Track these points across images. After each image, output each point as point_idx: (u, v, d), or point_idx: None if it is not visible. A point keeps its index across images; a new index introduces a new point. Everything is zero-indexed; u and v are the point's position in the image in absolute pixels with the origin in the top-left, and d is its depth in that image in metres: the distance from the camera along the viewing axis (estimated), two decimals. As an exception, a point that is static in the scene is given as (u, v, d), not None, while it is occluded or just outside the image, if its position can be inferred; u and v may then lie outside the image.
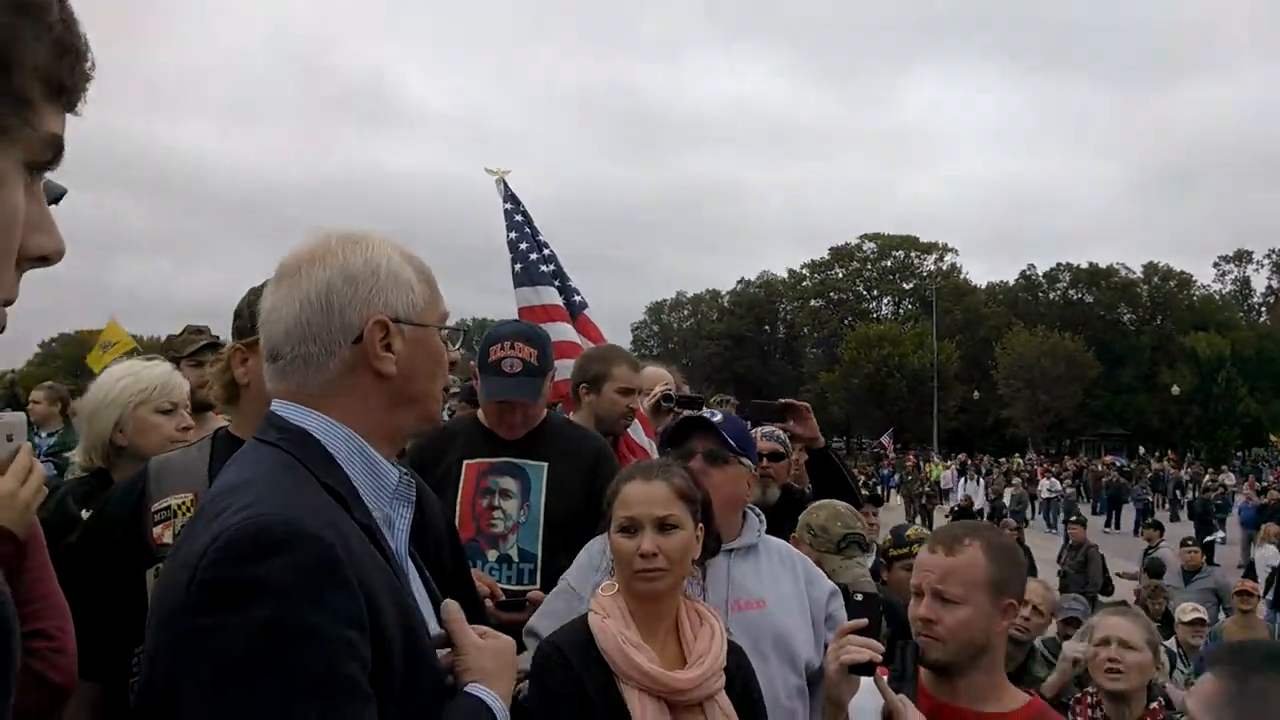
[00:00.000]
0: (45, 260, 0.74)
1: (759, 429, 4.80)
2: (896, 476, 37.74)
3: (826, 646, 2.80)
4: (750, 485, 2.98)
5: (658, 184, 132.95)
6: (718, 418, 2.99)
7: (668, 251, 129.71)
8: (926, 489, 31.89)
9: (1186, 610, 8.07)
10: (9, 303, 0.72)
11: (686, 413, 3.75)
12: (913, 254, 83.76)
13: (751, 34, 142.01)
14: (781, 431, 4.72)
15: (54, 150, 0.71)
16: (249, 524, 1.34)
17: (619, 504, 2.41)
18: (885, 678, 2.38)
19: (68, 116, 0.74)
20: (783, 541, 3.08)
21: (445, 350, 1.68)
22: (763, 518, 2.97)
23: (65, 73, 0.70)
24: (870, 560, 3.70)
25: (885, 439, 42.46)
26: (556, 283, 6.11)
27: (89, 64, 0.71)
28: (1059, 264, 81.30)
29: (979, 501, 29.16)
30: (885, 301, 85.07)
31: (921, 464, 40.54)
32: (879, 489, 29.98)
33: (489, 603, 2.85)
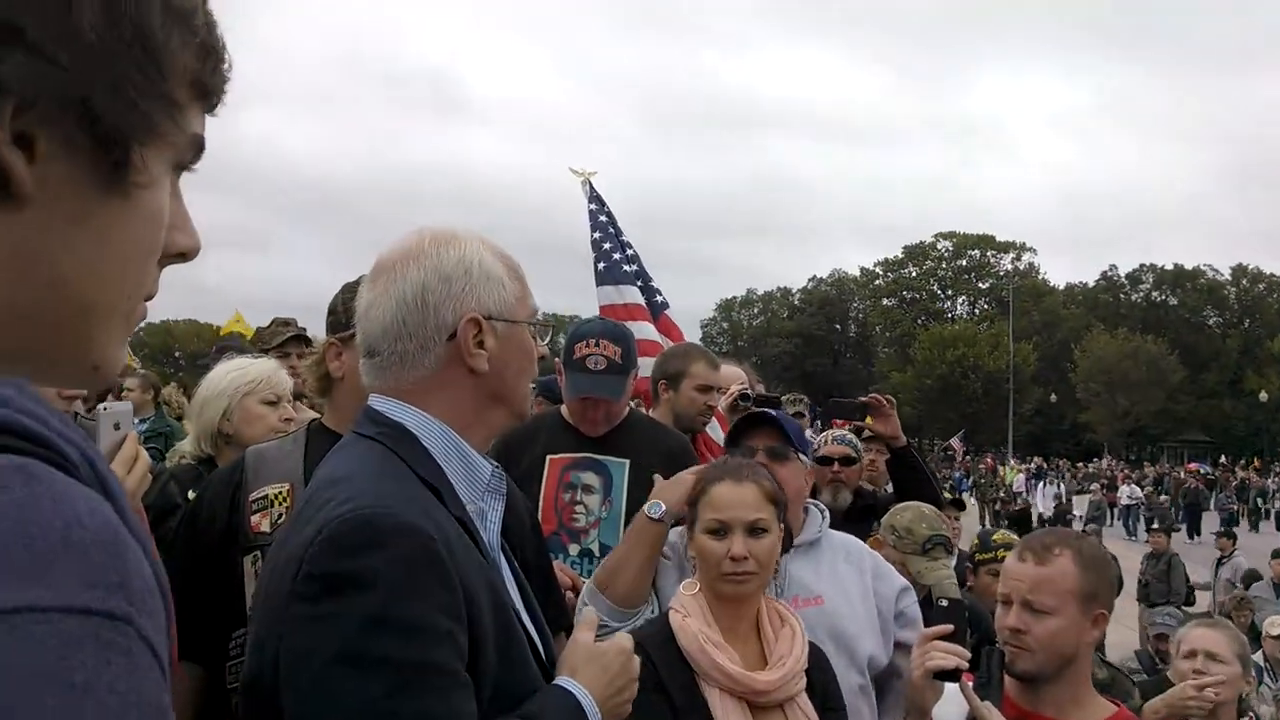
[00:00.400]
0: (183, 257, 0.77)
1: (829, 432, 4.77)
2: (969, 480, 37.00)
3: (897, 644, 2.78)
4: (808, 480, 3.02)
5: (726, 179, 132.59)
6: (778, 415, 3.05)
7: (737, 247, 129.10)
8: (1001, 494, 30.74)
9: (1275, 623, 7.80)
10: (150, 297, 0.75)
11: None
12: (989, 253, 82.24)
13: (820, 26, 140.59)
14: (853, 435, 4.69)
15: (197, 151, 0.74)
16: (353, 517, 1.38)
17: (707, 505, 2.41)
18: (970, 684, 2.35)
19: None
20: (850, 537, 3.07)
21: (535, 346, 1.71)
22: (825, 513, 2.99)
23: (209, 75, 0.72)
24: (953, 562, 3.65)
25: (956, 441, 41.36)
26: (639, 282, 6.14)
27: (227, 66, 0.74)
28: (1142, 265, 79.47)
29: (1042, 507, 27.71)
30: (960, 301, 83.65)
31: (999, 467, 39.54)
32: (954, 492, 29.07)
33: (570, 595, 2.89)
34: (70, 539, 0.51)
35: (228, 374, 3.34)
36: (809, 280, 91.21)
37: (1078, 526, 22.41)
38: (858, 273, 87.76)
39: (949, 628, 2.38)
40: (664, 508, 2.74)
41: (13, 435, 0.54)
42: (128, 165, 0.66)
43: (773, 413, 3.11)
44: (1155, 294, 77.82)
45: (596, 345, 3.32)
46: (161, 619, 0.55)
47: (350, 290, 2.51)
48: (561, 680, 1.59)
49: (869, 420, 4.49)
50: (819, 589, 2.76)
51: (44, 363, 0.68)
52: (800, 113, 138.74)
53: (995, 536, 4.73)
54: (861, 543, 3.06)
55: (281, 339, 4.57)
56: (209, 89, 0.73)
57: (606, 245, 6.13)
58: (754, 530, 2.37)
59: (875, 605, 2.82)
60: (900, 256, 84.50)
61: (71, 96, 0.62)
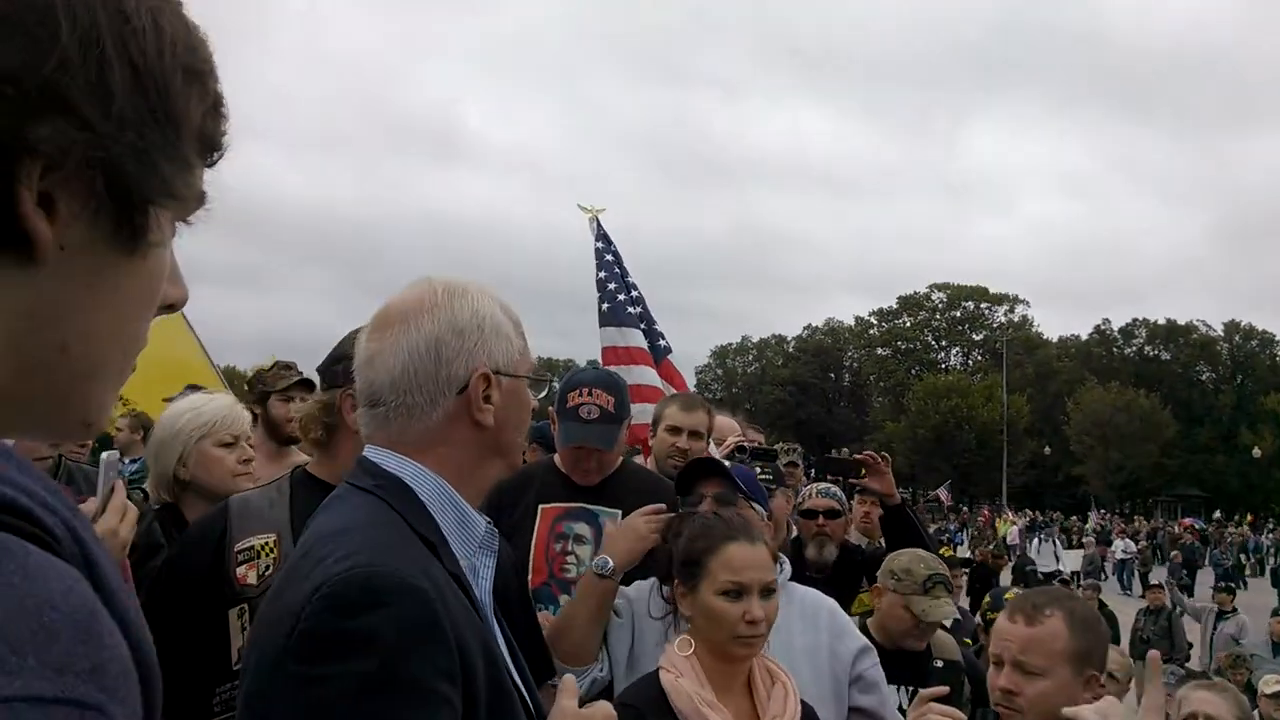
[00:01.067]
0: (171, 308, 0.78)
1: (814, 485, 4.76)
2: (963, 534, 36.52)
3: (853, 710, 2.72)
4: (767, 531, 2.94)
5: (721, 228, 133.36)
6: (727, 463, 3.05)
7: (733, 295, 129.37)
8: (991, 548, 29.01)
9: (1270, 682, 7.72)
10: (140, 350, 0.76)
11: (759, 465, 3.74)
12: (983, 305, 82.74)
13: (814, 79, 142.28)
14: (837, 488, 4.67)
15: (199, 206, 0.74)
16: (352, 575, 1.35)
17: (721, 566, 2.37)
18: None
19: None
20: (812, 591, 3.00)
21: (531, 399, 1.71)
22: (785, 564, 2.90)
23: (215, 132, 0.73)
24: (954, 604, 3.64)
25: (942, 491, 40.19)
26: (643, 325, 6.12)
27: (227, 118, 0.74)
28: (1135, 319, 79.85)
29: (1040, 562, 25.06)
30: (954, 352, 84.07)
31: (995, 520, 38.95)
32: (950, 546, 27.67)
33: None
34: (41, 623, 0.49)
35: (181, 415, 3.18)
36: (804, 329, 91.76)
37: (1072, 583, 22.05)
38: (852, 322, 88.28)
39: (945, 690, 2.36)
40: (611, 564, 2.71)
41: None
42: (146, 227, 0.67)
43: (721, 461, 3.10)
44: (1148, 348, 78.10)
45: (589, 394, 3.31)
46: (137, 703, 0.53)
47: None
48: None
49: (865, 477, 4.47)
50: (769, 649, 2.72)
51: (42, 419, 0.68)
52: (795, 163, 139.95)
53: (1009, 595, 4.69)
54: (824, 598, 2.99)
55: (288, 383, 4.54)
56: (213, 144, 0.73)
57: (611, 285, 6.11)
58: (766, 592, 2.35)
59: (829, 667, 2.75)
60: (895, 307, 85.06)
61: (98, 159, 0.62)
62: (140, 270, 0.69)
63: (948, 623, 3.78)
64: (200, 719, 2.42)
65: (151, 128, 0.65)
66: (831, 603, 2.98)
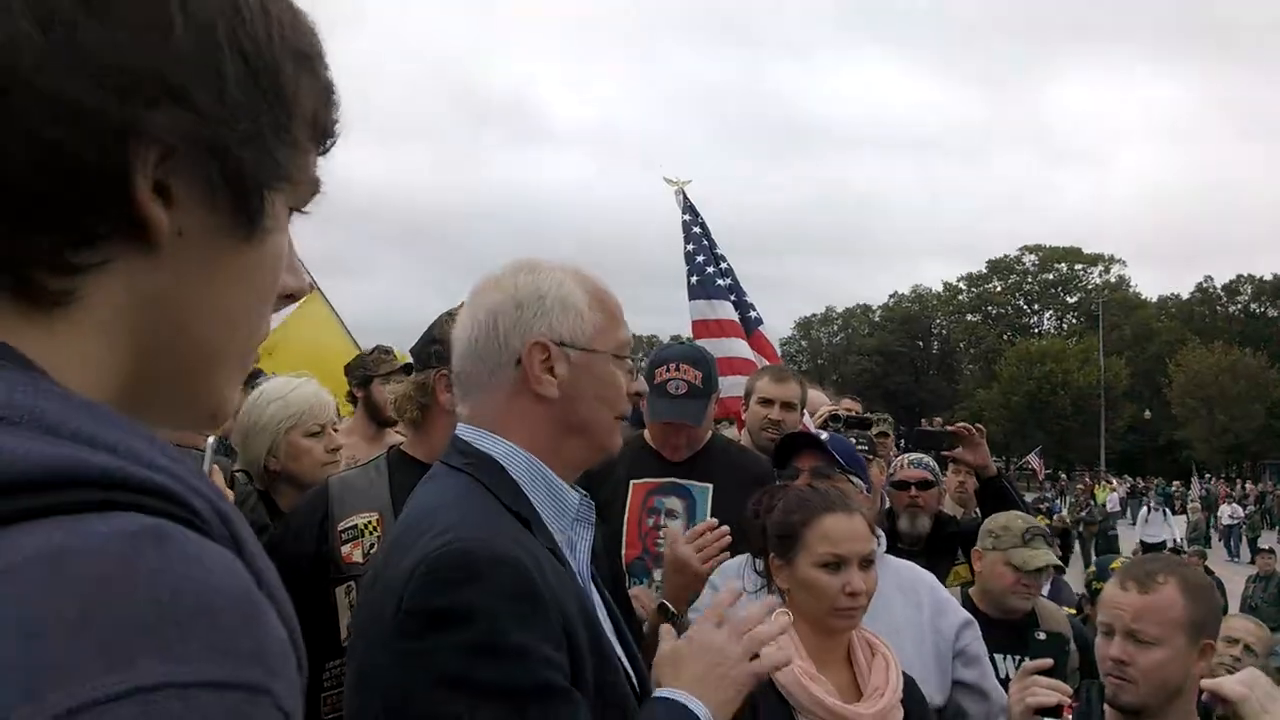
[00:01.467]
0: (290, 299, 0.78)
1: (905, 455, 4.68)
2: (1060, 502, 35.23)
3: (956, 683, 2.67)
4: (866, 505, 2.89)
5: (802, 195, 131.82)
6: (824, 435, 3.01)
7: (815, 265, 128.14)
8: (1085, 515, 26.59)
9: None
10: (263, 340, 0.76)
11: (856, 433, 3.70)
12: (1076, 266, 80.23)
13: (895, 34, 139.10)
14: (930, 458, 4.58)
15: (314, 193, 0.75)
16: (450, 550, 1.39)
17: (818, 538, 2.36)
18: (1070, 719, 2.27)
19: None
20: (909, 565, 2.97)
21: (619, 378, 1.68)
22: (882, 538, 2.87)
23: (327, 118, 0.73)
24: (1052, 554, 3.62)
25: (1033, 458, 38.37)
26: (733, 297, 6.09)
27: (338, 105, 0.75)
28: (1239, 275, 76.44)
29: (1142, 534, 22.69)
30: (1047, 316, 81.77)
31: (1095, 487, 37.47)
32: (1049, 518, 25.55)
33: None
34: (203, 606, 0.50)
35: (269, 405, 3.17)
36: (889, 297, 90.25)
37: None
38: (940, 288, 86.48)
39: (1049, 662, 2.31)
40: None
41: (145, 493, 0.53)
42: (262, 212, 0.68)
43: (817, 434, 3.05)
44: (1254, 305, 74.92)
45: (677, 369, 3.32)
46: (297, 683, 0.54)
47: (454, 318, 2.53)
48: (661, 692, 1.57)
49: (959, 449, 4.39)
50: (867, 621, 2.69)
51: (168, 409, 0.69)
52: (877, 125, 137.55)
53: (1113, 565, 4.57)
54: (923, 572, 2.95)
55: (390, 369, 4.65)
56: (326, 130, 0.74)
57: (700, 258, 6.08)
58: (865, 563, 2.33)
59: (932, 642, 2.72)
60: (984, 271, 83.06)
61: (213, 145, 0.63)
62: (258, 257, 0.69)
63: (1044, 590, 3.72)
64: (312, 693, 2.50)
65: (264, 113, 0.66)
66: (930, 577, 2.94)
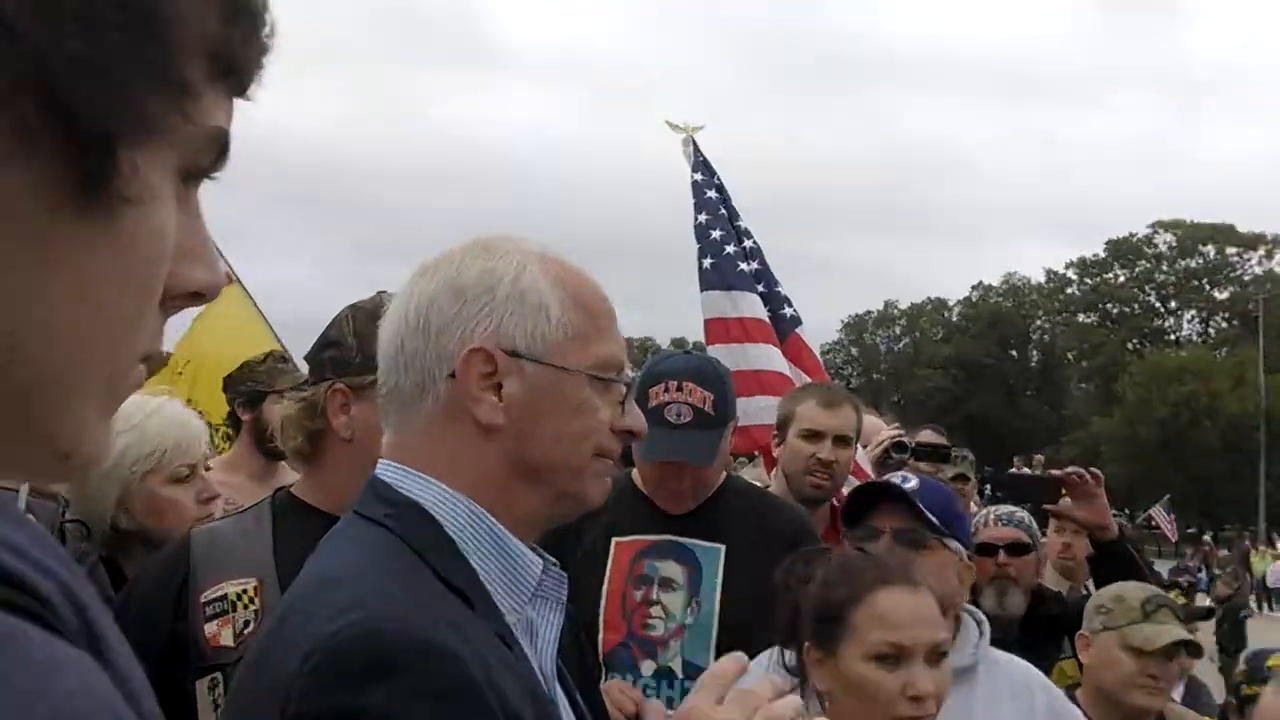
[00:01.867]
0: (199, 297, 0.75)
1: (990, 510, 4.67)
2: (1204, 572, 35.05)
3: None
4: (963, 577, 2.96)
5: (854, 151, 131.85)
6: (912, 484, 2.97)
7: (870, 245, 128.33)
8: (1235, 590, 26.19)
9: None
10: (149, 356, 0.73)
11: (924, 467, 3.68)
12: (1228, 249, 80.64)
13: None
14: (1025, 513, 4.57)
15: (218, 150, 0.71)
16: (354, 633, 1.36)
17: (874, 622, 2.35)
18: None
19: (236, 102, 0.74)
20: (1018, 660, 2.98)
21: (597, 407, 1.63)
22: (985, 626, 2.91)
23: (237, 45, 0.70)
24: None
25: (1160, 511, 37.76)
26: (761, 287, 6.03)
27: (267, 29, 0.72)
28: None
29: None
30: (1188, 317, 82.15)
31: (1251, 555, 37.16)
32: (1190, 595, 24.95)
33: None
34: None
35: (118, 437, 2.89)
36: (972, 289, 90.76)
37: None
38: (1041, 278, 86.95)
39: None
40: None
41: None
42: (112, 173, 0.63)
43: (902, 485, 3.03)
44: None
45: (678, 390, 3.28)
46: None
47: (361, 313, 2.51)
48: None
49: (1063, 501, 4.37)
50: None
51: (2, 452, 0.66)
52: (953, 63, 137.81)
53: (1271, 661, 4.57)
54: (1033, 669, 2.96)
55: (291, 383, 4.62)
56: (237, 64, 0.70)
57: (716, 233, 6.00)
58: (935, 655, 2.34)
59: None
60: (1102, 256, 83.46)
61: (27, 76, 0.58)
62: (116, 237, 0.65)
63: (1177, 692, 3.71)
64: None
65: (113, 30, 0.61)
66: (1042, 677, 2.96)
